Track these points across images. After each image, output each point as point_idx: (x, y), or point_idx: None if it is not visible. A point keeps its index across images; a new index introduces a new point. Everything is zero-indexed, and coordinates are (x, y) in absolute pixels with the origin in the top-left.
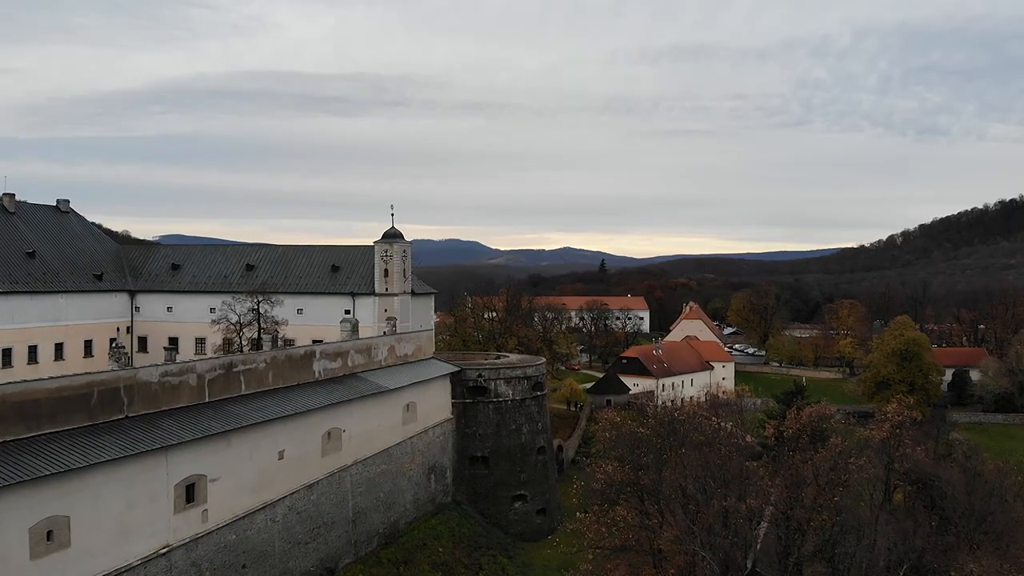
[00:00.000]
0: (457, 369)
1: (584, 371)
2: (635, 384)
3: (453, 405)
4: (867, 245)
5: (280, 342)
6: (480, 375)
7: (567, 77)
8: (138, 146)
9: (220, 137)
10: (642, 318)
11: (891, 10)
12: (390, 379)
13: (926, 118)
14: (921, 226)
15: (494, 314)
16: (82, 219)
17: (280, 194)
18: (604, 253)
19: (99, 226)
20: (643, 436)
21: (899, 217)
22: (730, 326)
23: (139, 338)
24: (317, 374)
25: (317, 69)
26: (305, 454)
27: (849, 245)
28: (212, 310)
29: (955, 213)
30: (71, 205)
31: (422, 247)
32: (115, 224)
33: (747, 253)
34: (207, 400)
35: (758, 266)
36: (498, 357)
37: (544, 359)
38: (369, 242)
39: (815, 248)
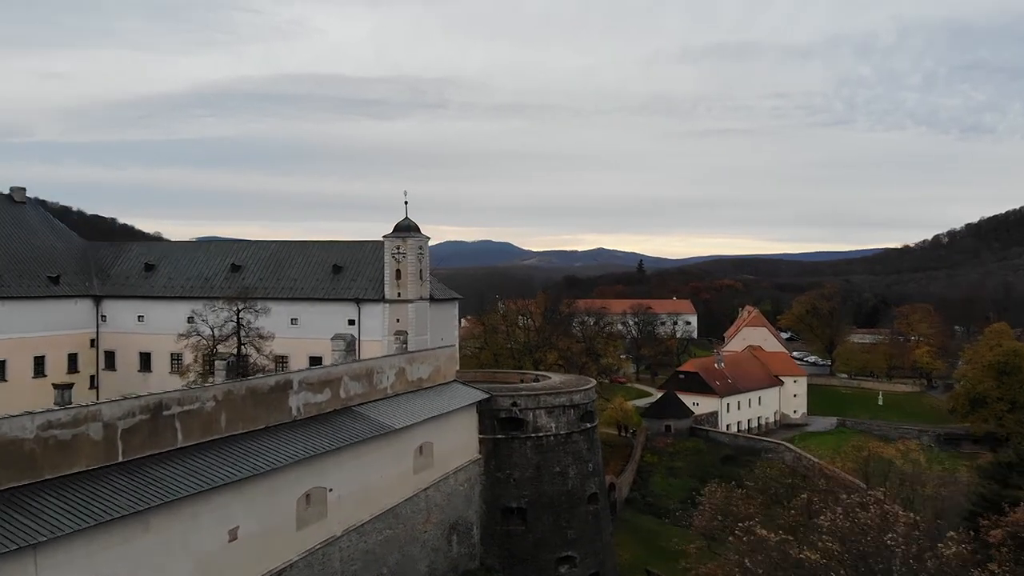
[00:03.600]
0: (486, 396)
1: (631, 384)
2: (694, 403)
3: (481, 442)
4: (912, 245)
5: (268, 360)
6: (515, 403)
7: (605, 78)
8: (180, 149)
9: (261, 140)
10: (689, 323)
11: (938, 6)
12: (398, 413)
13: (971, 116)
14: (968, 225)
15: (529, 320)
16: (41, 211)
17: (319, 197)
18: (639, 254)
19: (130, 227)
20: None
21: (944, 217)
22: (784, 331)
23: (106, 353)
24: (295, 412)
25: (357, 72)
26: (271, 529)
27: (892, 245)
28: (190, 319)
29: (1003, 212)
30: (124, 206)
31: (454, 248)
32: (149, 226)
33: (785, 253)
34: (120, 460)
35: (799, 267)
36: (536, 379)
37: (594, 382)
38: (378, 237)
39: (856, 248)
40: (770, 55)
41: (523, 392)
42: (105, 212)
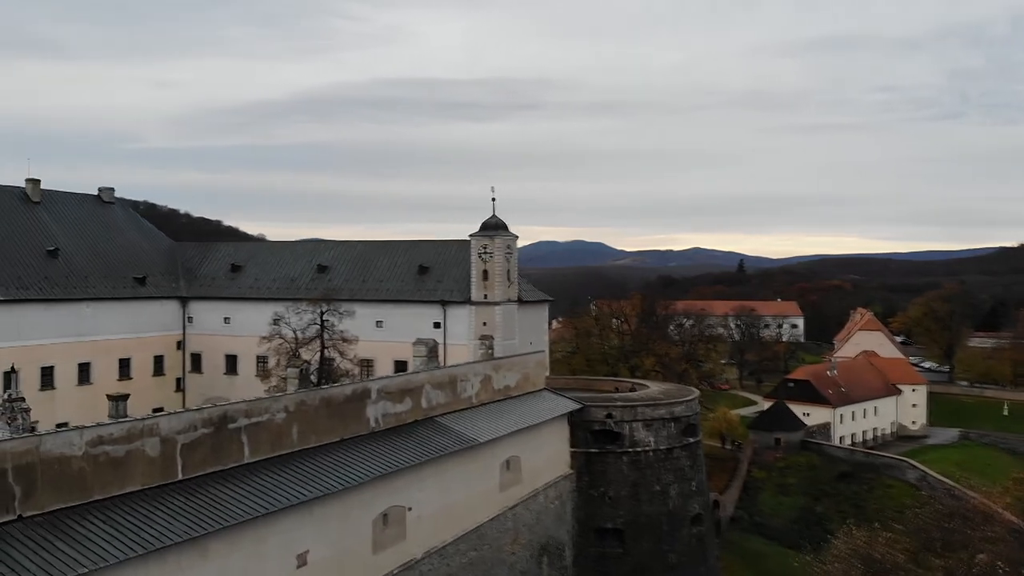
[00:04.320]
0: (578, 406)
1: (735, 391)
2: (805, 414)
3: (573, 456)
4: None
5: (352, 364)
6: (610, 415)
7: (703, 73)
8: (281, 154)
9: (358, 144)
10: (796, 326)
11: None
12: (483, 425)
13: None
14: None
15: (623, 323)
16: (129, 211)
17: (414, 199)
18: (737, 253)
19: (235, 229)
20: None
21: None
22: (896, 334)
23: (192, 355)
24: (373, 423)
25: (452, 75)
26: (344, 553)
27: (1008, 244)
28: (275, 322)
29: None
30: (223, 208)
31: (546, 248)
32: (253, 228)
33: (894, 253)
34: (179, 478)
35: (908, 267)
36: (633, 388)
37: (697, 392)
38: (461, 234)
39: (969, 248)
40: (877, 47)
41: (619, 403)
42: (212, 215)
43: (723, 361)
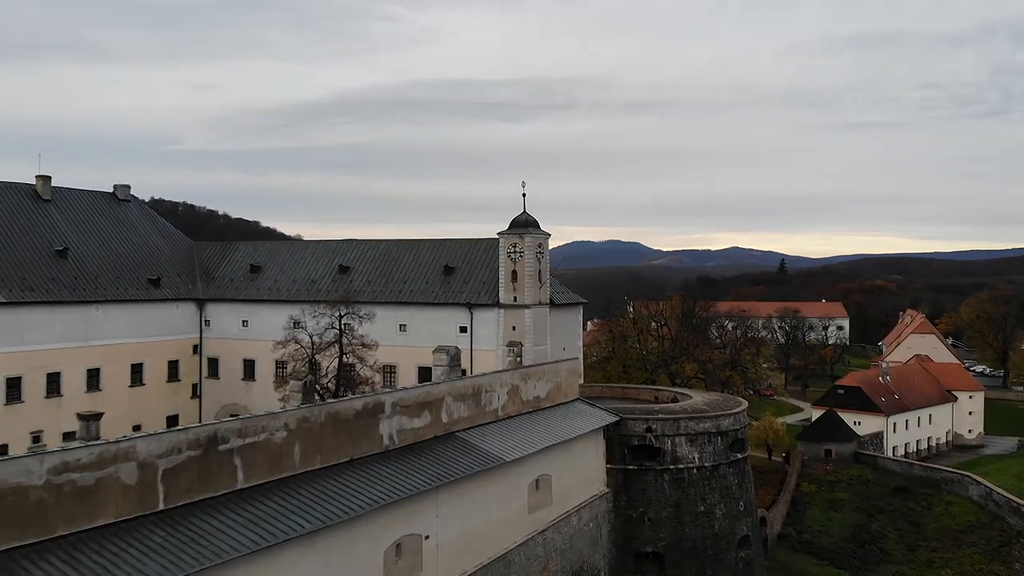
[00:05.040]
0: (615, 418)
1: (779, 398)
2: (856, 422)
3: (609, 473)
4: None
5: (373, 371)
6: (649, 428)
7: (741, 71)
8: (318, 155)
9: (394, 145)
10: (841, 328)
11: None
12: (510, 441)
13: None
14: None
15: (663, 327)
16: (145, 209)
17: (449, 199)
18: (776, 253)
19: (272, 230)
20: None
21: None
22: (945, 336)
23: (209, 359)
24: (387, 440)
25: (487, 75)
26: None
27: None
28: (296, 325)
29: None
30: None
31: (581, 248)
32: (290, 228)
33: (936, 252)
34: (160, 508)
35: (951, 267)
36: (675, 398)
37: (745, 403)
38: (493, 234)
39: (1013, 247)
40: (918, 44)
41: (660, 415)
42: (251, 216)
43: (766, 365)
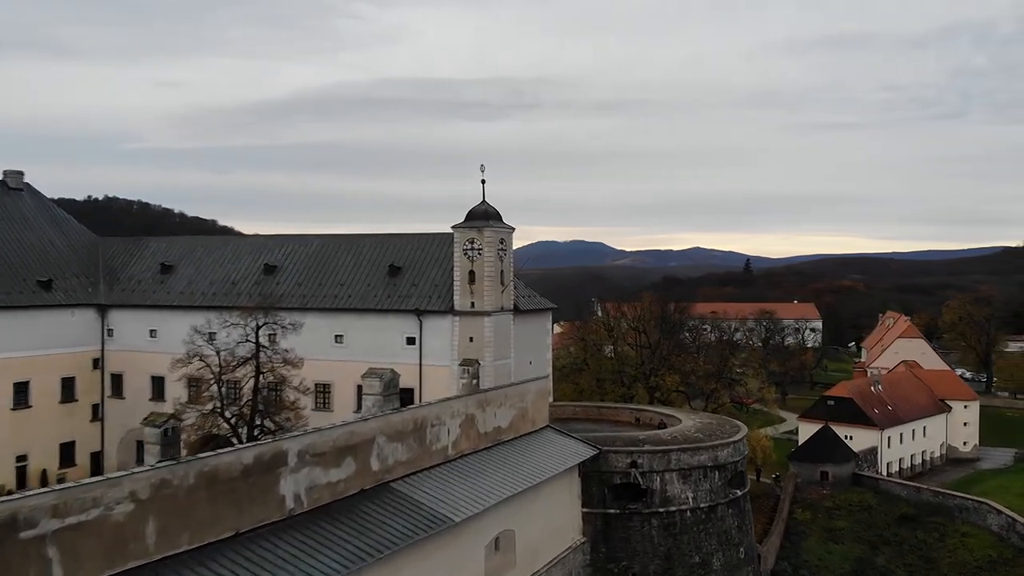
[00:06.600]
0: (594, 451)
1: (759, 406)
2: (847, 437)
3: (585, 519)
4: None
5: (300, 393)
6: (635, 463)
7: (707, 72)
8: (283, 154)
9: (362, 144)
10: (816, 330)
11: None
12: (462, 490)
13: None
14: None
15: (642, 333)
16: (41, 199)
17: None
18: (738, 253)
19: (230, 229)
20: None
21: None
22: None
23: (112, 375)
24: (290, 503)
25: (456, 75)
26: None
27: (1010, 244)
28: (210, 337)
29: None
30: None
31: (545, 248)
32: (249, 228)
33: (895, 252)
34: None
35: (911, 267)
36: (662, 423)
37: (744, 428)
38: (446, 226)
39: (970, 247)
40: (881, 46)
41: (646, 446)
42: (211, 215)
43: (751, 375)
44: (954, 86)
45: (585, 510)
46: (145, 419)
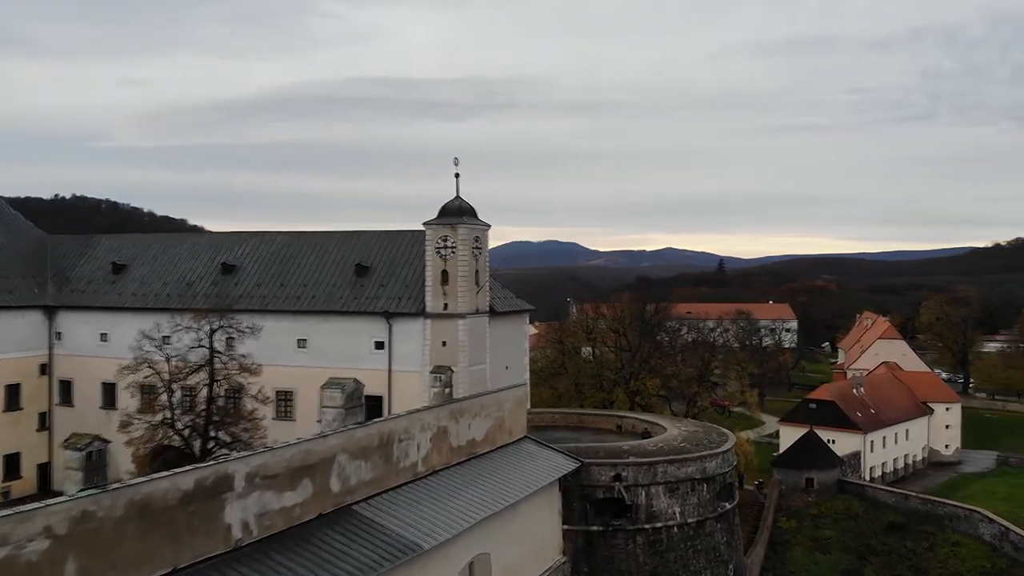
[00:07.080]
0: (575, 464)
1: (737, 409)
2: (830, 441)
3: (566, 536)
4: (1004, 244)
5: (259, 402)
6: (619, 476)
7: (677, 74)
8: (253, 153)
9: (333, 143)
10: (791, 330)
11: None
12: (433, 512)
13: None
14: None
15: (622, 336)
16: None
17: (390, 199)
18: (710, 253)
19: (200, 228)
20: None
21: None
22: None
23: (61, 382)
24: (238, 532)
25: (428, 74)
26: None
27: (978, 244)
28: (164, 341)
29: None
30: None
31: (519, 249)
32: (219, 227)
33: (864, 253)
34: None
35: (881, 267)
36: (646, 431)
37: (733, 437)
38: (418, 225)
39: (938, 248)
40: (849, 48)
41: (631, 458)
42: (180, 214)
43: (733, 377)
44: (922, 88)
45: (566, 527)
46: (66, 441)
